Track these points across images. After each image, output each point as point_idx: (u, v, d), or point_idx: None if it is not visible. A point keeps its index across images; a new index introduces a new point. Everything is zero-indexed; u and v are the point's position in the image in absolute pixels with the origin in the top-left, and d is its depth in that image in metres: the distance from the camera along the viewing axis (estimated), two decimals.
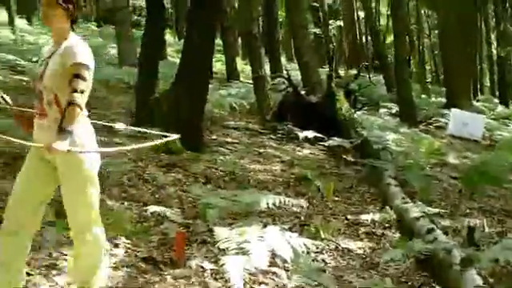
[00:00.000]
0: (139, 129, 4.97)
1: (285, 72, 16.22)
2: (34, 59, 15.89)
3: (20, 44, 20.31)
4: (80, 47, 3.96)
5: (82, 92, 3.83)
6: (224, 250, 4.72)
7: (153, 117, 10.12)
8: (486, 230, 7.83)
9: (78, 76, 3.85)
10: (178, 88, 10.26)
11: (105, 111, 12.09)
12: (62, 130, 3.72)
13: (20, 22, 26.92)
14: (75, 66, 3.87)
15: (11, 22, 25.23)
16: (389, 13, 30.18)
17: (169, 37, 30.60)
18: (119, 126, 4.57)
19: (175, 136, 4.36)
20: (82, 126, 3.92)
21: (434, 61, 40.70)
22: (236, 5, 22.44)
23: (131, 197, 7.02)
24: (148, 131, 4.48)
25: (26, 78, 14.25)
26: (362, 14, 36.25)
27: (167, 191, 7.50)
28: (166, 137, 4.40)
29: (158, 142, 4.38)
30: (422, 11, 36.99)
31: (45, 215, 5.69)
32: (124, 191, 7.17)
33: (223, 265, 4.45)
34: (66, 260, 4.86)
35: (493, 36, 34.91)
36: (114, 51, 21.13)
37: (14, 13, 26.65)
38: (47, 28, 24.32)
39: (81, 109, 3.82)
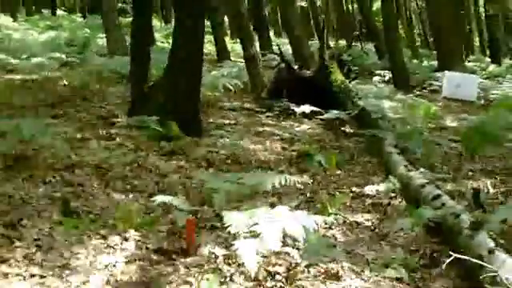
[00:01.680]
0: None
1: (276, 48, 16.21)
2: (23, 56, 15.88)
3: (7, 42, 20.23)
4: None
5: None
6: (234, 234, 4.71)
7: (149, 105, 10.11)
8: (491, 190, 7.85)
9: None
10: (172, 74, 10.21)
11: (100, 103, 12.06)
12: None
13: (5, 20, 26.82)
14: None
15: None
16: None
17: (155, 22, 30.53)
18: None
19: None
20: None
21: (422, 24, 40.61)
22: None
23: (135, 188, 7.02)
24: None
25: (17, 77, 14.22)
26: None
27: (171, 179, 7.49)
28: None
29: None
30: None
31: (50, 215, 5.77)
32: (128, 183, 7.16)
33: (236, 250, 4.44)
34: (78, 259, 4.86)
35: None
36: (102, 41, 21.05)
37: None
38: (33, 23, 24.39)
39: None
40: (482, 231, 5.15)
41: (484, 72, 23.04)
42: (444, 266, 4.73)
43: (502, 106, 13.41)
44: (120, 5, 29.81)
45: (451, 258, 4.64)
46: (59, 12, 39.37)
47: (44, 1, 42.89)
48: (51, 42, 20.88)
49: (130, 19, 14.14)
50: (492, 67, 24.86)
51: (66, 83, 13.64)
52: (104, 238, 5.37)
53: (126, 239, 5.40)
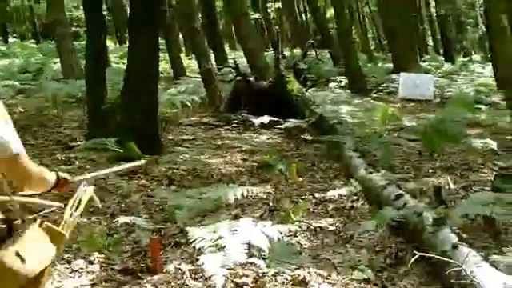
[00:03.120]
0: None
1: (231, 61, 16.23)
2: None
3: None
4: None
5: None
6: (200, 249, 4.70)
7: (107, 126, 10.07)
8: (451, 186, 7.93)
9: None
10: (129, 94, 10.18)
11: (58, 128, 11.97)
12: None
13: None
14: None
15: None
16: None
17: (110, 43, 30.41)
18: None
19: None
20: None
21: (376, 28, 41.00)
22: (174, 1, 22.33)
23: (98, 210, 6.96)
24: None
25: None
26: None
27: (133, 199, 7.46)
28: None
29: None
30: None
31: None
32: (89, 206, 7.09)
33: (202, 264, 4.44)
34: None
35: None
36: (56, 67, 20.89)
37: None
38: None
39: None
40: (444, 227, 5.20)
41: (439, 71, 23.35)
42: (409, 264, 4.77)
43: (458, 103, 13.60)
44: (73, 29, 29.65)
45: (416, 257, 4.67)
46: (11, 39, 39.02)
47: None
48: (4, 69, 20.71)
49: (84, 43, 14.07)
50: (446, 66, 25.21)
51: (22, 110, 13.52)
52: (68, 262, 5.32)
53: (90, 262, 5.36)
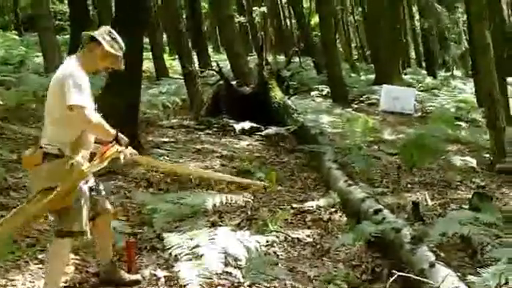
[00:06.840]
0: None
1: (214, 64, 16.16)
2: None
3: None
4: None
5: None
6: (176, 255, 4.66)
7: None
8: (429, 202, 7.95)
9: None
10: (110, 93, 10.08)
11: (37, 123, 11.84)
12: None
13: None
14: None
15: None
16: None
17: None
18: None
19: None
20: None
21: (360, 38, 41.08)
22: (159, 1, 22.25)
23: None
24: None
25: None
26: None
27: (110, 200, 7.37)
28: None
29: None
30: None
31: None
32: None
33: (178, 272, 4.40)
34: (14, 286, 4.74)
35: (414, 9, 35.43)
36: (38, 60, 20.69)
37: None
38: None
39: None
40: (422, 245, 5.21)
41: (420, 84, 23.41)
42: (387, 285, 4.73)
43: (438, 119, 13.64)
44: (57, 22, 29.35)
45: (394, 277, 4.65)
46: None
47: None
48: None
49: (68, 37, 13.91)
50: (428, 80, 25.27)
51: (1, 103, 13.36)
52: (42, 262, 5.24)
53: None
